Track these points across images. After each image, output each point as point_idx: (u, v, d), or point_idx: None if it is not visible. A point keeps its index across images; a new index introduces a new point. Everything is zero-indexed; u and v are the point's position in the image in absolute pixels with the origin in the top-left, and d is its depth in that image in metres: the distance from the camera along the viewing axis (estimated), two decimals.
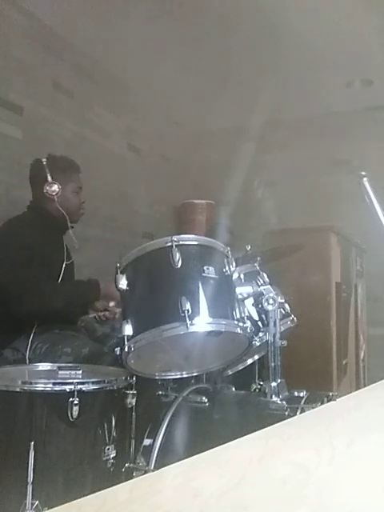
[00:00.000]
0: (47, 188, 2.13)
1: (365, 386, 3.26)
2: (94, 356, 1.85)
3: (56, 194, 2.14)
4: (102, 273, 3.14)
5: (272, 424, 0.91)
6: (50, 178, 2.14)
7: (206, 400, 1.74)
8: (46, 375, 1.54)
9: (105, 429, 1.44)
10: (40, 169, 2.17)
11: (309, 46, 3.22)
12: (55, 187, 2.14)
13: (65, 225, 2.21)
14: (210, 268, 1.56)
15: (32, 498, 1.24)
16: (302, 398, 1.62)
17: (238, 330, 1.54)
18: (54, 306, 1.92)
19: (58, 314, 1.97)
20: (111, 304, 2.16)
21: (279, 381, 1.65)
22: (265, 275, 1.86)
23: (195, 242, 1.62)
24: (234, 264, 1.63)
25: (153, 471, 1.51)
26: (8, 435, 1.35)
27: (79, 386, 1.35)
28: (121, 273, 1.59)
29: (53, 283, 2.03)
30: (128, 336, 1.50)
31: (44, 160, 2.18)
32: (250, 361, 1.96)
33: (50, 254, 2.10)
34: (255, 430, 0.85)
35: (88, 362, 1.75)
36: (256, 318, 1.76)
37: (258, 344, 1.70)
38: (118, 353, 1.53)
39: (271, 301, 1.67)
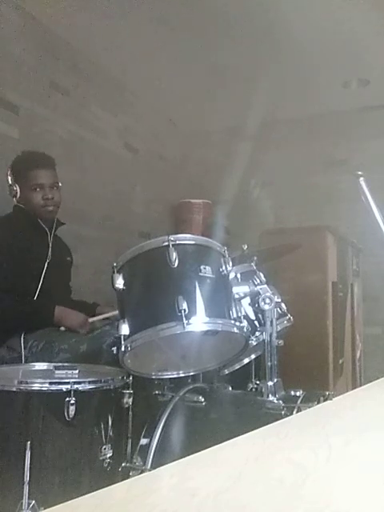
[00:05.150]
0: (11, 192, 2.21)
1: (361, 385, 3.27)
2: (91, 353, 1.84)
3: (15, 196, 2.20)
4: (99, 272, 3.16)
5: (268, 423, 0.91)
6: (9, 181, 2.21)
7: (203, 399, 1.74)
8: (42, 375, 1.54)
9: (101, 428, 1.44)
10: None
11: (306, 45, 3.23)
12: (14, 188, 2.19)
13: (47, 223, 2.21)
14: (207, 267, 1.56)
15: (28, 498, 1.24)
16: (299, 397, 1.63)
17: (235, 330, 1.54)
18: (4, 319, 1.96)
19: (10, 326, 1.98)
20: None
21: (276, 380, 1.65)
22: (261, 275, 1.86)
23: (192, 242, 1.62)
24: (230, 263, 1.63)
25: (149, 471, 1.51)
26: (4, 435, 1.35)
27: (75, 386, 1.35)
28: (117, 272, 1.59)
29: (9, 298, 2.00)
30: (125, 335, 1.49)
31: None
32: (246, 360, 1.96)
33: (29, 255, 2.10)
34: (252, 430, 0.85)
35: (86, 360, 1.75)
36: (252, 317, 1.76)
37: (254, 343, 1.70)
38: (114, 351, 1.52)
39: (268, 300, 1.67)
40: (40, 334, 1.96)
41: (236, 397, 1.84)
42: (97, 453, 1.42)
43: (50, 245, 2.22)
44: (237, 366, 1.95)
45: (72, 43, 3.27)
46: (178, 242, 1.56)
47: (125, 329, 1.50)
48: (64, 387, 1.34)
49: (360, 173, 1.71)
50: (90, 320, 2.07)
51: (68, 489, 1.34)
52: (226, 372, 1.92)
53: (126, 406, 1.52)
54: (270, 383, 1.64)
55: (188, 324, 1.43)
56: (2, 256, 2.04)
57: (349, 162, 4.01)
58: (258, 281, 1.82)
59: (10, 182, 2.21)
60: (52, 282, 2.13)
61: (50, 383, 1.37)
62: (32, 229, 2.19)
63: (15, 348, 1.94)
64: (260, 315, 1.73)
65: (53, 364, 1.61)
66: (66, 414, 1.32)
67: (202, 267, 1.55)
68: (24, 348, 1.92)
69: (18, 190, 2.18)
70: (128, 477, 1.50)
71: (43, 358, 1.78)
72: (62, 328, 2.02)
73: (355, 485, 0.62)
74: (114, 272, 1.59)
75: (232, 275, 1.65)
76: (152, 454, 1.59)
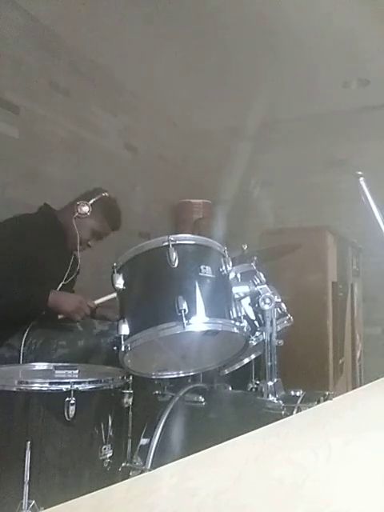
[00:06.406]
0: (80, 205, 2.23)
1: (361, 385, 3.27)
2: (89, 349, 1.84)
3: (79, 214, 2.23)
4: (99, 272, 3.15)
5: (268, 423, 0.91)
6: (85, 205, 2.24)
7: (203, 399, 1.73)
8: (42, 375, 1.54)
9: (101, 428, 1.44)
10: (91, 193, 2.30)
11: (306, 45, 3.23)
12: (85, 209, 2.23)
13: (70, 239, 2.27)
14: (207, 267, 1.56)
15: (28, 498, 1.24)
16: (299, 397, 1.62)
17: (235, 330, 1.54)
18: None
19: (5, 316, 1.94)
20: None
21: (276, 380, 1.65)
22: (261, 275, 1.86)
23: (192, 242, 1.62)
24: (230, 263, 1.63)
25: (149, 471, 1.51)
26: (4, 435, 1.35)
27: (75, 386, 1.34)
28: (117, 272, 1.59)
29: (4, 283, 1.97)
30: (125, 335, 1.49)
31: (105, 194, 2.32)
32: (246, 360, 1.96)
33: (47, 257, 2.10)
34: (252, 430, 0.85)
35: (84, 355, 1.75)
36: (252, 317, 1.76)
37: (254, 343, 1.70)
38: (115, 348, 1.53)
39: (268, 300, 1.67)
40: (39, 332, 1.96)
41: (236, 397, 1.84)
42: (97, 453, 1.42)
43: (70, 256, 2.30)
44: (237, 366, 1.94)
45: (72, 43, 3.27)
46: (178, 242, 1.56)
47: (125, 329, 1.50)
48: (64, 387, 1.34)
49: (360, 173, 1.71)
50: (96, 302, 2.07)
51: (68, 489, 1.34)
52: (226, 372, 1.92)
53: (126, 405, 1.52)
54: (270, 383, 1.64)
55: (188, 324, 1.43)
56: (30, 255, 2.03)
57: (349, 161, 4.01)
58: (258, 281, 1.82)
59: (84, 205, 2.23)
60: (64, 290, 2.19)
61: (50, 383, 1.37)
62: (53, 236, 2.22)
63: (15, 346, 1.94)
64: (260, 315, 1.73)
65: (53, 364, 1.61)
66: (65, 413, 1.32)
67: (202, 267, 1.55)
68: (24, 346, 1.92)
69: (83, 214, 2.22)
70: (128, 477, 1.50)
71: (42, 355, 1.78)
72: (60, 316, 2.01)
73: (355, 485, 0.62)
74: (113, 272, 1.59)
75: (232, 275, 1.65)
76: (152, 453, 1.59)
